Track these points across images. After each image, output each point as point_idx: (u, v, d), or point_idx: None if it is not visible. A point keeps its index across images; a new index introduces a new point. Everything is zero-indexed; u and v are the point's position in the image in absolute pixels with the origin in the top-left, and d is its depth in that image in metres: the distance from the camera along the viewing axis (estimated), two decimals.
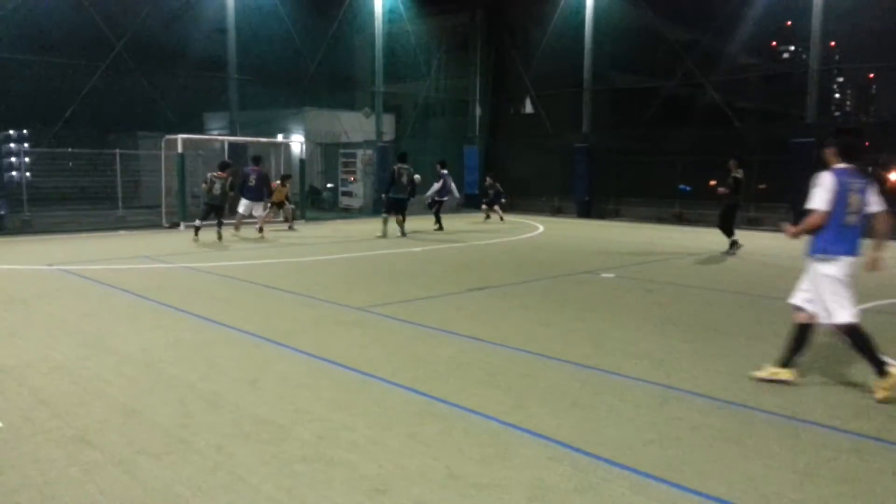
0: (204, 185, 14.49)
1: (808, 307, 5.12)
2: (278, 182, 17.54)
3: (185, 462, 3.66)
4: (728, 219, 13.32)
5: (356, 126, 23.40)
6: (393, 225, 15.51)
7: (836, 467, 3.73)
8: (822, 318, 5.04)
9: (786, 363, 5.20)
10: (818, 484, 3.52)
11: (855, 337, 4.94)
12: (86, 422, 4.22)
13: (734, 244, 13.28)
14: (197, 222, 14.50)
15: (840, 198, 4.92)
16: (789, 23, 21.03)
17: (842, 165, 5.09)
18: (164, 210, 17.23)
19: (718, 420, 4.40)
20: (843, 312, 4.93)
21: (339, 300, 8.09)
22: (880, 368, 4.85)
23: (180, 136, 16.86)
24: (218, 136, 20.82)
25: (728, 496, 3.36)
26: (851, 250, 5.00)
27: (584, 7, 22.83)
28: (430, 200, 18.35)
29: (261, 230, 15.46)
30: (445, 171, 18.47)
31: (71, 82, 17.22)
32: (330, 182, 23.74)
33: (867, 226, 5.07)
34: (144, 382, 5.00)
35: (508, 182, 25.17)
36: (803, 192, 16.68)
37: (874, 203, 5.03)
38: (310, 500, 3.26)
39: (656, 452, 3.89)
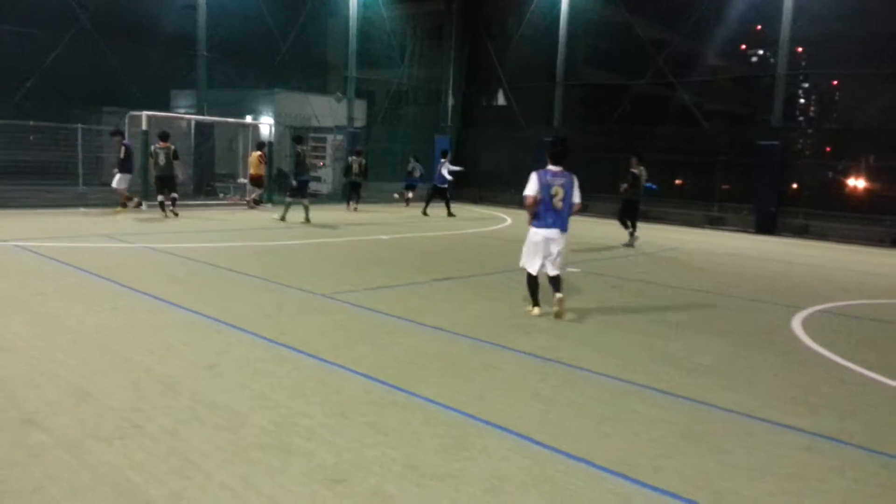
0: (150, 159, 15.01)
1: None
2: (258, 153, 17.60)
3: (138, 447, 3.58)
4: (627, 213, 13.94)
5: (327, 111, 23.11)
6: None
7: (788, 464, 3.80)
8: (544, 270, 7.12)
9: (534, 304, 7.26)
10: (770, 480, 3.59)
11: (531, 281, 7.23)
12: (35, 404, 4.10)
13: (632, 237, 13.87)
14: (159, 198, 14.96)
15: (545, 189, 6.86)
16: (759, 27, 21.34)
17: (550, 167, 7.00)
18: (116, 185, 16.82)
19: (675, 415, 4.46)
20: (531, 267, 7.14)
21: (303, 286, 8.00)
22: (534, 301, 7.24)
23: (145, 113, 16.47)
24: (184, 114, 20.39)
25: (682, 491, 3.40)
26: (550, 225, 6.97)
27: (559, 1, 22.86)
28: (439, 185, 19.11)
29: (125, 205, 15.11)
30: (443, 160, 18.95)
31: (32, 53, 16.64)
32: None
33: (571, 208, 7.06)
34: (98, 364, 4.88)
35: (479, 173, 25.22)
36: (767, 193, 17.15)
37: (577, 196, 7.06)
38: (265, 489, 3.22)
39: (613, 446, 3.92)
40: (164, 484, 3.20)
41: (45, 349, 5.17)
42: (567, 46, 23.01)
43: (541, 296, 7.28)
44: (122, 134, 15.24)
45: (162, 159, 14.65)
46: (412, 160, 21.56)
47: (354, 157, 19.06)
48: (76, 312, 6.31)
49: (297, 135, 16.64)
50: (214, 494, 3.14)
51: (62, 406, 4.08)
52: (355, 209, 18.79)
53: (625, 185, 13.68)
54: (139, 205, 15.31)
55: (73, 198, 16.61)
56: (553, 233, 6.98)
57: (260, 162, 18.11)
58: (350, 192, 19.30)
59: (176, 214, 14.90)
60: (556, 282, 7.12)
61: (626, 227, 13.89)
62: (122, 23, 18.06)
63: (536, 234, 7.00)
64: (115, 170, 15.04)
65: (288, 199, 15.30)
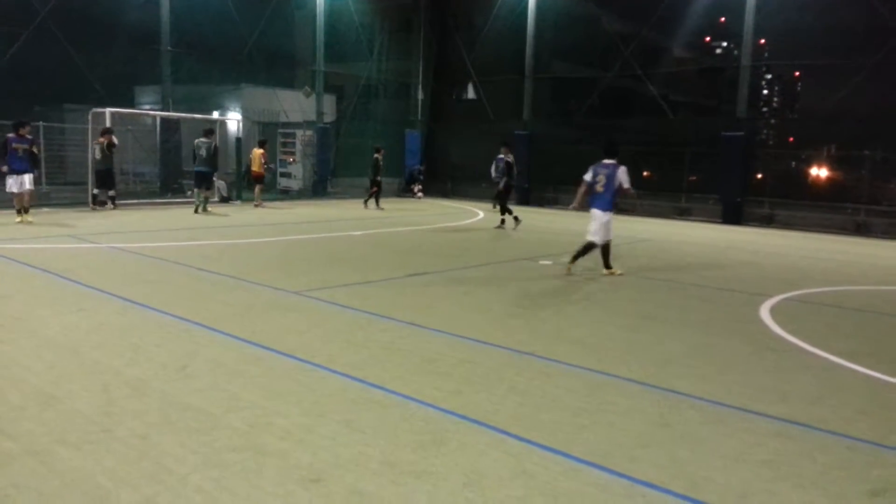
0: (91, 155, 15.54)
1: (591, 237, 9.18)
2: (260, 150, 17.71)
3: (108, 452, 3.50)
4: (504, 198, 15.17)
5: (296, 106, 22.86)
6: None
7: (760, 451, 3.86)
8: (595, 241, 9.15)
9: (607, 266, 9.36)
10: (744, 468, 3.65)
11: (603, 250, 9.29)
12: None
13: (515, 219, 14.98)
14: (96, 191, 15.69)
15: (592, 177, 9.03)
16: (723, 19, 21.64)
17: (604, 160, 9.04)
18: (90, 187, 16.48)
19: (649, 405, 4.51)
20: (595, 238, 9.10)
21: (275, 284, 7.91)
22: (607, 265, 9.34)
23: (108, 110, 16.15)
24: (149, 110, 20.01)
25: (658, 481, 3.44)
26: (592, 204, 9.09)
27: None
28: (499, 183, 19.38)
29: (26, 211, 12.80)
30: (501, 156, 18.91)
31: None
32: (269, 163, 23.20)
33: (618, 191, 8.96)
34: (65, 368, 4.76)
35: (450, 167, 25.24)
36: (733, 183, 17.46)
37: (623, 181, 8.86)
38: (240, 491, 3.17)
39: (589, 437, 3.95)
40: (137, 489, 3.14)
41: (9, 353, 5.03)
42: (535, 40, 23.07)
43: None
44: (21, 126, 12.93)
45: (98, 153, 15.43)
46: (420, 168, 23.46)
47: (376, 156, 19.21)
48: (41, 315, 6.15)
49: (209, 129, 16.92)
50: (188, 498, 3.08)
51: (28, 411, 3.98)
52: (377, 206, 19.17)
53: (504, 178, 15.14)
54: (26, 210, 12.94)
55: (36, 198, 16.13)
56: (595, 211, 9.04)
57: (262, 159, 18.10)
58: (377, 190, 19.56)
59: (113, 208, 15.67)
60: (585, 247, 9.20)
61: (509, 211, 14.97)
62: (84, 18, 17.62)
63: (591, 212, 9.10)
64: (24, 171, 12.61)
65: (196, 190, 16.18)
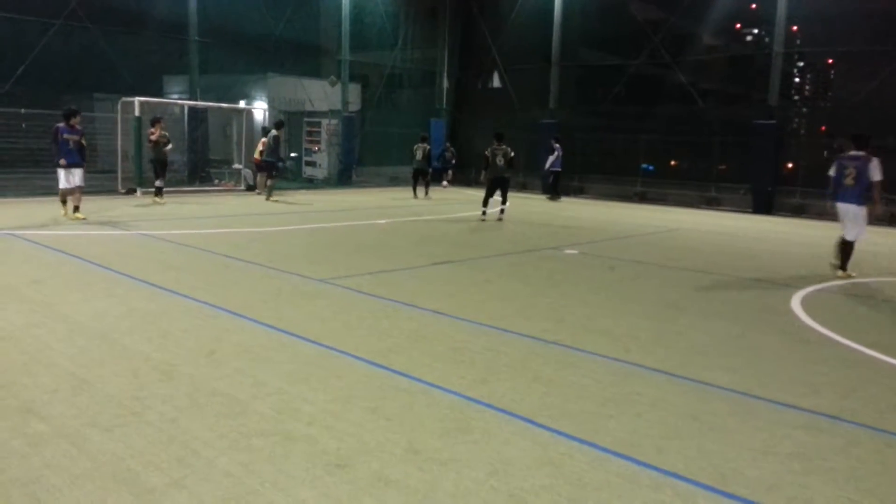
0: (151, 143, 15.03)
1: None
2: (264, 139, 17.83)
3: (138, 435, 3.55)
4: (491, 190, 14.39)
5: (321, 95, 22.94)
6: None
7: (791, 444, 3.80)
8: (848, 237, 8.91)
9: (843, 267, 8.94)
10: (774, 460, 3.59)
11: (841, 245, 8.95)
12: (33, 392, 4.07)
13: (488, 211, 14.41)
14: (158, 182, 15.18)
15: (838, 171, 8.86)
16: (754, 5, 21.20)
17: (851, 152, 8.82)
18: (120, 175, 16.74)
19: (677, 396, 4.45)
20: (851, 236, 8.83)
21: (301, 271, 7.96)
22: (843, 265, 8.94)
23: (137, 99, 16.34)
24: (177, 100, 20.22)
25: (685, 472, 3.40)
26: (842, 199, 8.85)
27: None
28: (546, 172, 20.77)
29: (76, 209, 11.83)
30: (558, 146, 20.26)
31: (22, 40, 16.47)
32: (293, 151, 23.32)
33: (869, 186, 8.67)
34: (96, 352, 4.84)
35: (475, 156, 25.10)
36: (764, 172, 17.19)
37: (874, 175, 8.54)
38: (267, 475, 3.20)
39: (616, 427, 3.91)
40: (165, 472, 3.18)
41: (41, 337, 5.13)
42: (562, 27, 22.82)
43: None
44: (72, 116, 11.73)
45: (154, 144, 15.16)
46: (447, 145, 23.54)
47: (419, 144, 19.43)
48: (72, 300, 6.26)
49: (279, 120, 17.92)
50: (217, 482, 3.11)
51: (60, 394, 4.05)
52: (426, 195, 19.29)
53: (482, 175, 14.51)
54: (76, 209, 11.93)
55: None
56: (845, 205, 8.76)
57: (262, 147, 18.24)
58: (415, 180, 19.58)
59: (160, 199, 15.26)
60: (844, 247, 8.87)
61: (501, 203, 14.49)
62: (114, 8, 17.88)
63: (837, 207, 8.90)
64: (64, 160, 11.48)
65: (269, 181, 16.92)
